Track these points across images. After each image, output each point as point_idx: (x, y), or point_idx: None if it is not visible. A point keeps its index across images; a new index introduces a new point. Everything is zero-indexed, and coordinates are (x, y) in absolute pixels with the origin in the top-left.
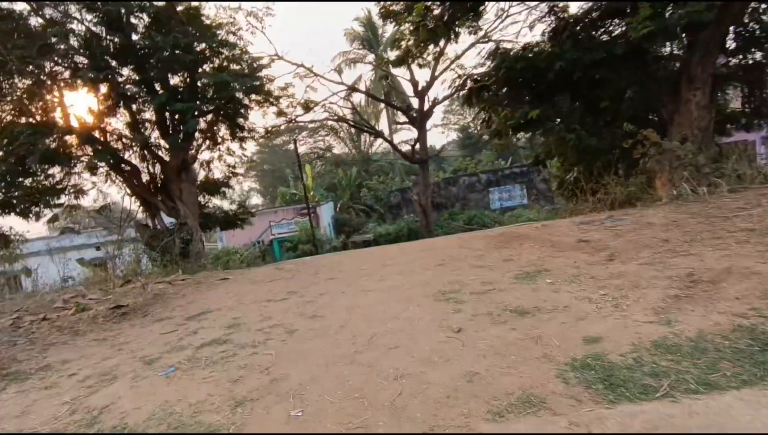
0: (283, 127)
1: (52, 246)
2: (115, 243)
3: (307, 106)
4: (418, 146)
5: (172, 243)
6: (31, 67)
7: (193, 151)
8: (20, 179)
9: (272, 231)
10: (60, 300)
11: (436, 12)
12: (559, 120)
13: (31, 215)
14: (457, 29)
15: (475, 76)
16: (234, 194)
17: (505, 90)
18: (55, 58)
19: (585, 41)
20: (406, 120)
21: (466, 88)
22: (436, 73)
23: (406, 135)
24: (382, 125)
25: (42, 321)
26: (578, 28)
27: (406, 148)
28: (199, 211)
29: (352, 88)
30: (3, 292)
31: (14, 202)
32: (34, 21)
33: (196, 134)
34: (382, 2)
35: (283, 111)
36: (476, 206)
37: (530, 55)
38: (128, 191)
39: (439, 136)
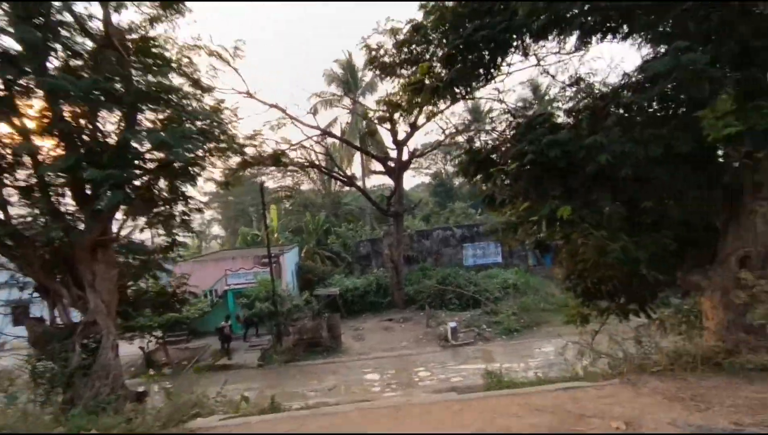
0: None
1: None
2: None
3: (278, 159)
4: (393, 198)
5: (71, 349)
6: None
7: (117, 225)
8: None
9: (227, 281)
10: None
11: (442, 73)
12: (593, 221)
13: None
14: (463, 90)
15: (481, 146)
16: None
17: (526, 175)
18: None
19: (638, 132)
20: (383, 169)
21: (467, 156)
22: (419, 124)
23: (378, 180)
24: (356, 168)
25: None
26: (627, 113)
27: (374, 187)
28: (117, 299)
29: (326, 133)
30: None
31: None
32: None
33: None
34: (372, 51)
35: (249, 161)
36: (449, 262)
37: (565, 139)
38: (22, 271)
39: (408, 179)
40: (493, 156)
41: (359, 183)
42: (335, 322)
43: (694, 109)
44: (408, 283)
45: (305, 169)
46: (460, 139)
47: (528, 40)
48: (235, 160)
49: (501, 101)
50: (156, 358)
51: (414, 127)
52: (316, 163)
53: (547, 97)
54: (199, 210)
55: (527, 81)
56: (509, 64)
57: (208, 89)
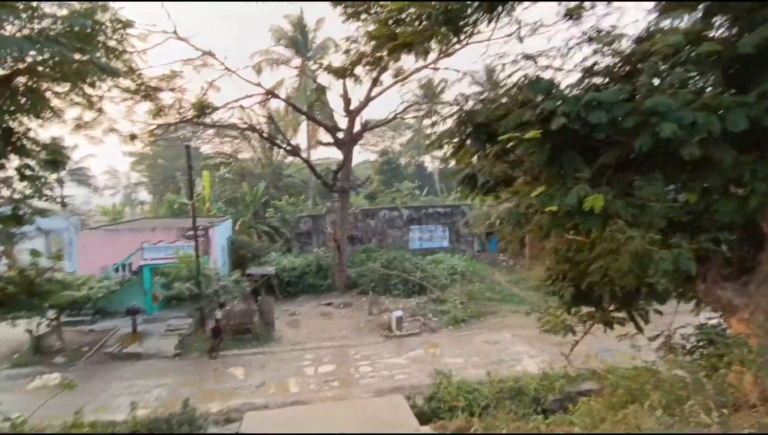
0: (170, 126)
1: None
2: None
3: (202, 109)
4: (340, 172)
5: None
6: None
7: None
8: None
9: (144, 255)
10: None
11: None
12: (629, 216)
13: None
14: (456, 34)
15: (479, 112)
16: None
17: (537, 150)
18: None
19: (711, 98)
20: (331, 140)
21: (455, 121)
22: (375, 93)
23: (323, 153)
24: (301, 138)
25: None
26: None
27: (318, 160)
28: None
29: (271, 94)
30: None
31: None
32: None
33: None
34: None
35: (163, 109)
36: (395, 244)
37: (613, 99)
38: None
39: (353, 155)
40: (485, 120)
41: (304, 154)
42: (268, 307)
43: None
44: (351, 265)
45: (244, 134)
46: (413, 114)
47: None
48: (147, 107)
49: (520, 40)
50: (48, 344)
51: (374, 85)
52: (258, 128)
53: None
54: (53, 162)
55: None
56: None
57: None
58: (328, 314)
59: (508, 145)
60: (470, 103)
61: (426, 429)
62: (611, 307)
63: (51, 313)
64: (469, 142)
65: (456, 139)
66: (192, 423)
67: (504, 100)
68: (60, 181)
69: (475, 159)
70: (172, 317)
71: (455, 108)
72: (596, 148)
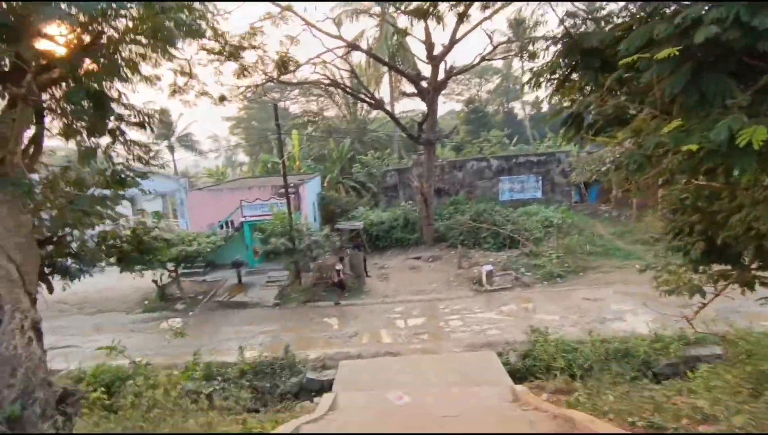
0: (257, 86)
1: None
2: None
3: (285, 65)
4: (425, 123)
5: None
6: None
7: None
8: None
9: (243, 212)
10: None
11: None
12: None
13: None
14: None
15: (590, 36)
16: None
17: (672, 73)
18: None
19: None
20: (415, 91)
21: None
22: (458, 36)
23: (406, 105)
24: (383, 91)
25: None
26: None
27: (401, 113)
28: (40, 257)
29: (352, 46)
30: None
31: None
32: None
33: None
34: None
35: (247, 69)
36: (483, 196)
37: None
38: None
39: (438, 105)
40: (598, 45)
41: (388, 107)
42: (358, 260)
43: None
44: (438, 218)
45: (328, 90)
46: (502, 55)
47: None
48: (232, 68)
49: None
50: (170, 292)
51: (461, 21)
52: (341, 83)
53: None
54: (141, 124)
55: None
56: None
57: None
58: (416, 268)
59: (627, 75)
60: (578, 25)
61: (521, 388)
62: (754, 265)
63: (170, 266)
64: (575, 74)
65: (558, 73)
66: (292, 367)
67: (623, 18)
68: (171, 148)
69: (579, 97)
70: (270, 270)
71: (558, 34)
72: (753, 67)
